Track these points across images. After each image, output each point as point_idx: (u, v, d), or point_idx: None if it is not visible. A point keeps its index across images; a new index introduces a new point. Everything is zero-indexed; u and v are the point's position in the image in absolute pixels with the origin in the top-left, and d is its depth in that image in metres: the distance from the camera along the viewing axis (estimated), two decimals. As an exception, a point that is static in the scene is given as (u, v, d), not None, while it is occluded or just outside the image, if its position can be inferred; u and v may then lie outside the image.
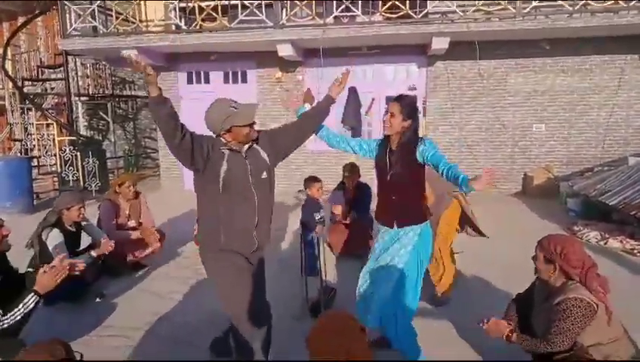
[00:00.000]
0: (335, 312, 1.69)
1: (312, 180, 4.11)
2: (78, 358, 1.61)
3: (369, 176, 5.56)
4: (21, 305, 2.51)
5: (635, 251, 5.08)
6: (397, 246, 2.75)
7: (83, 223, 4.02)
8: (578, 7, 7.35)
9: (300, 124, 2.80)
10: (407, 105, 2.73)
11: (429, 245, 2.84)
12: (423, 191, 2.87)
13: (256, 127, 2.57)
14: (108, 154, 12.09)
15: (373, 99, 9.15)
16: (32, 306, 2.53)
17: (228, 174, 2.39)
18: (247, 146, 2.50)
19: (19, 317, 2.51)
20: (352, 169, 5.10)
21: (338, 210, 4.99)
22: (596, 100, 8.45)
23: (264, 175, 2.53)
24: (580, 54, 8.35)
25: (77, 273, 2.85)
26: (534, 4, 7.46)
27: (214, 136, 2.48)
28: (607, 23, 7.31)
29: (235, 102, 2.46)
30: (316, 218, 3.83)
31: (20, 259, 3.50)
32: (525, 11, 7.51)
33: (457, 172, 2.40)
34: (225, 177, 2.38)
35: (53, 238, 3.62)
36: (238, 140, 2.44)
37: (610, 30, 7.67)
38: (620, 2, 7.25)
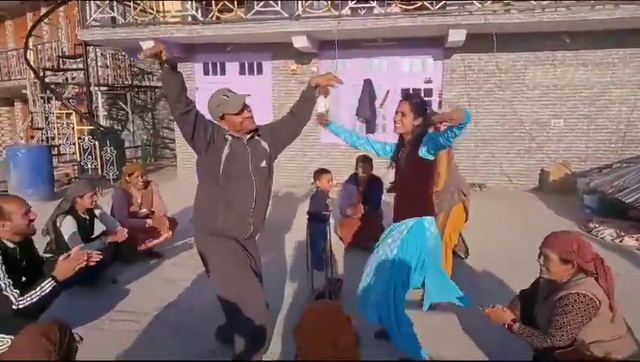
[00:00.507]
0: (322, 303, 1.71)
1: (321, 172, 4.11)
2: (77, 340, 1.65)
3: (380, 173, 5.61)
4: (38, 289, 2.61)
5: (651, 250, 4.98)
6: (389, 240, 2.79)
7: (97, 212, 4.12)
8: (601, -2, 7.16)
9: (293, 117, 2.90)
10: (416, 103, 2.77)
11: (422, 240, 2.72)
12: (425, 187, 2.83)
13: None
14: (127, 144, 12.32)
15: (387, 92, 9.09)
16: (48, 291, 2.61)
17: (229, 158, 2.51)
18: (248, 136, 2.62)
19: (35, 300, 2.60)
20: (365, 160, 5.12)
21: (354, 210, 5.03)
22: (618, 95, 8.24)
23: (264, 163, 2.65)
24: (602, 47, 8.14)
25: (93, 263, 2.92)
26: (555, -5, 7.30)
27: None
28: (631, 15, 7.09)
29: (231, 91, 2.59)
30: (324, 211, 3.85)
31: (37, 245, 3.61)
32: (545, 3, 7.35)
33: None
34: (226, 160, 2.50)
35: (67, 225, 3.73)
36: (235, 128, 2.56)
37: (634, 22, 7.45)
38: (645, -6, 7.03)
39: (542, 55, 8.39)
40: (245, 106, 2.56)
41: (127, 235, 3.94)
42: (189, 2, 8.91)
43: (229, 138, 2.56)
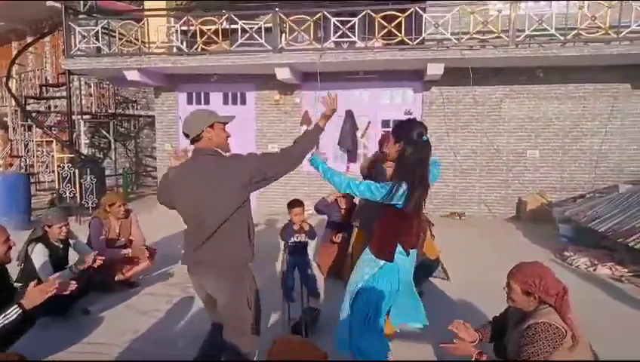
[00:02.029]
0: (291, 339, 1.70)
1: (291, 205, 4.06)
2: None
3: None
4: (1, 316, 2.54)
5: (624, 278, 5.07)
6: (362, 273, 2.79)
7: (71, 241, 4.07)
8: (570, 36, 7.51)
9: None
10: (396, 127, 2.74)
11: (395, 276, 2.72)
12: (395, 227, 2.70)
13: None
14: (109, 172, 12.21)
15: (369, 123, 9.27)
16: (13, 318, 2.55)
17: None
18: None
19: None
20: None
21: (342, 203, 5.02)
22: (589, 127, 8.54)
23: None
24: (573, 82, 8.49)
25: (67, 292, 2.87)
26: (527, 32, 7.63)
27: (192, 137, 2.50)
28: (598, 52, 7.45)
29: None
30: (289, 241, 3.88)
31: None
32: (518, 40, 7.68)
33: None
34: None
35: (38, 253, 3.67)
36: (216, 142, 2.50)
37: (602, 59, 7.81)
38: (611, 33, 7.40)
39: (517, 88, 8.70)
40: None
41: (99, 262, 3.87)
42: (175, 34, 9.08)
43: None
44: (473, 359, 2.44)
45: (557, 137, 8.66)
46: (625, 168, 8.47)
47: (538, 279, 2.31)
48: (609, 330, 3.49)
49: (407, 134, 2.59)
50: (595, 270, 5.37)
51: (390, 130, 2.79)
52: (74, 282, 3.13)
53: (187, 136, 2.52)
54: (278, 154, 2.56)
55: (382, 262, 2.72)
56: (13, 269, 3.67)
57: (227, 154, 2.56)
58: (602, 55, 7.55)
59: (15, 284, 3.46)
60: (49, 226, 3.82)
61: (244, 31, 8.40)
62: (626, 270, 5.21)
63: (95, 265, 3.87)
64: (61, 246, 3.93)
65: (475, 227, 8.11)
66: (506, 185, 8.88)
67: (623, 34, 7.36)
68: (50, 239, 3.84)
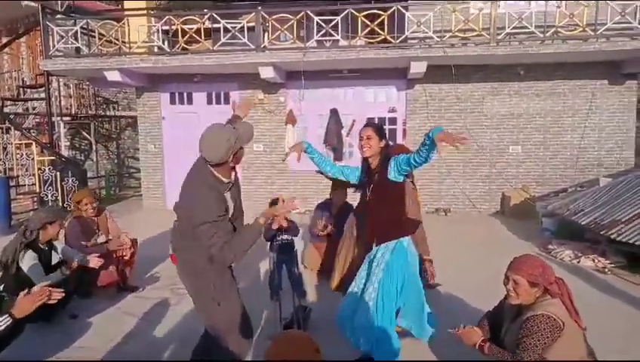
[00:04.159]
0: (291, 333, 1.71)
1: (271, 204, 4.03)
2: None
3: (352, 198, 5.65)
4: None
5: (606, 269, 5.20)
6: (374, 265, 2.94)
7: (57, 243, 3.98)
8: (549, 34, 7.66)
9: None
10: (378, 127, 3.02)
11: (404, 261, 2.94)
12: (401, 208, 3.03)
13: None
14: (90, 174, 11.99)
15: (354, 121, 9.29)
16: (2, 328, 2.49)
17: (233, 207, 2.56)
18: (233, 175, 2.58)
19: None
20: (340, 187, 5.10)
21: (321, 225, 4.99)
22: (569, 123, 8.73)
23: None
24: (553, 79, 8.66)
25: (53, 301, 2.82)
26: (508, 30, 7.75)
27: (216, 165, 2.39)
28: (576, 49, 7.61)
29: (229, 123, 2.59)
30: (273, 241, 3.84)
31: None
32: (499, 37, 7.80)
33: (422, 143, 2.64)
34: (233, 210, 2.56)
35: (29, 261, 3.58)
36: (238, 163, 2.51)
37: (580, 56, 7.99)
38: (588, 31, 7.57)
39: (498, 85, 8.83)
40: None
41: (100, 261, 3.88)
42: (156, 33, 8.97)
43: (227, 194, 2.51)
44: (477, 347, 2.48)
45: (538, 133, 8.83)
46: (604, 162, 8.68)
47: (541, 268, 2.37)
48: (594, 321, 3.55)
49: (386, 136, 3.10)
50: (579, 262, 5.49)
51: (372, 127, 3.03)
52: (61, 290, 3.07)
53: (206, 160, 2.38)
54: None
55: (391, 246, 2.93)
56: None
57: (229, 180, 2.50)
58: (580, 52, 7.73)
59: (3, 294, 3.37)
60: (50, 224, 3.72)
61: (226, 30, 8.35)
62: (609, 261, 5.34)
63: (96, 266, 3.85)
64: (46, 248, 3.85)
65: (460, 223, 8.22)
66: (490, 181, 9.02)
67: (599, 31, 7.53)
68: (40, 242, 3.75)
